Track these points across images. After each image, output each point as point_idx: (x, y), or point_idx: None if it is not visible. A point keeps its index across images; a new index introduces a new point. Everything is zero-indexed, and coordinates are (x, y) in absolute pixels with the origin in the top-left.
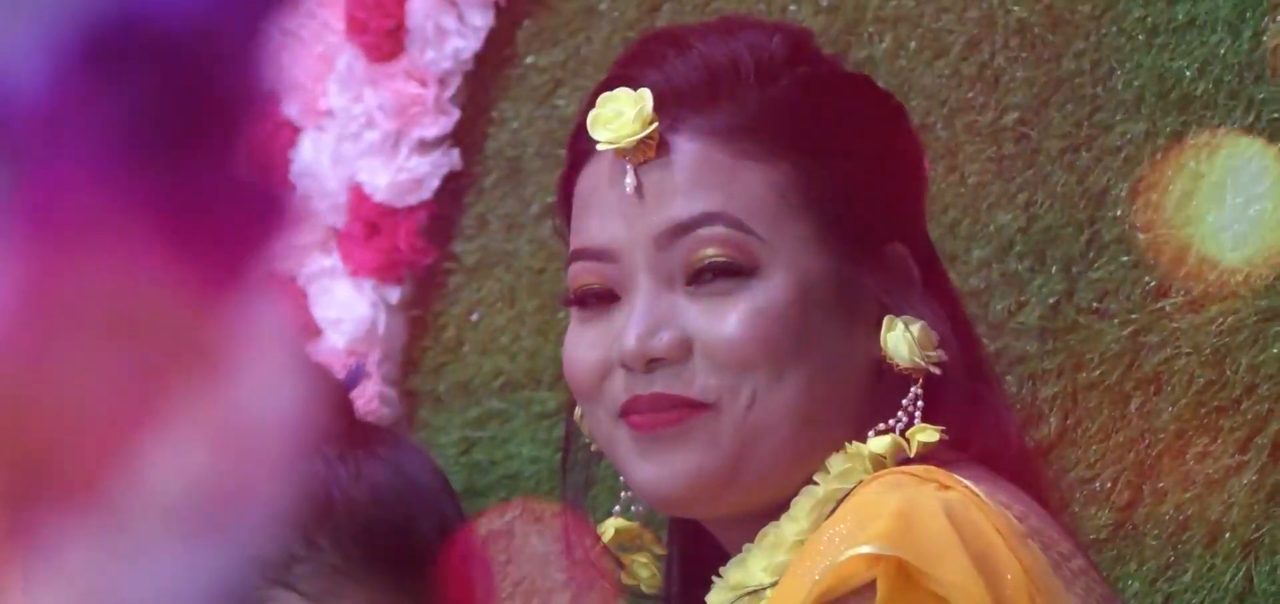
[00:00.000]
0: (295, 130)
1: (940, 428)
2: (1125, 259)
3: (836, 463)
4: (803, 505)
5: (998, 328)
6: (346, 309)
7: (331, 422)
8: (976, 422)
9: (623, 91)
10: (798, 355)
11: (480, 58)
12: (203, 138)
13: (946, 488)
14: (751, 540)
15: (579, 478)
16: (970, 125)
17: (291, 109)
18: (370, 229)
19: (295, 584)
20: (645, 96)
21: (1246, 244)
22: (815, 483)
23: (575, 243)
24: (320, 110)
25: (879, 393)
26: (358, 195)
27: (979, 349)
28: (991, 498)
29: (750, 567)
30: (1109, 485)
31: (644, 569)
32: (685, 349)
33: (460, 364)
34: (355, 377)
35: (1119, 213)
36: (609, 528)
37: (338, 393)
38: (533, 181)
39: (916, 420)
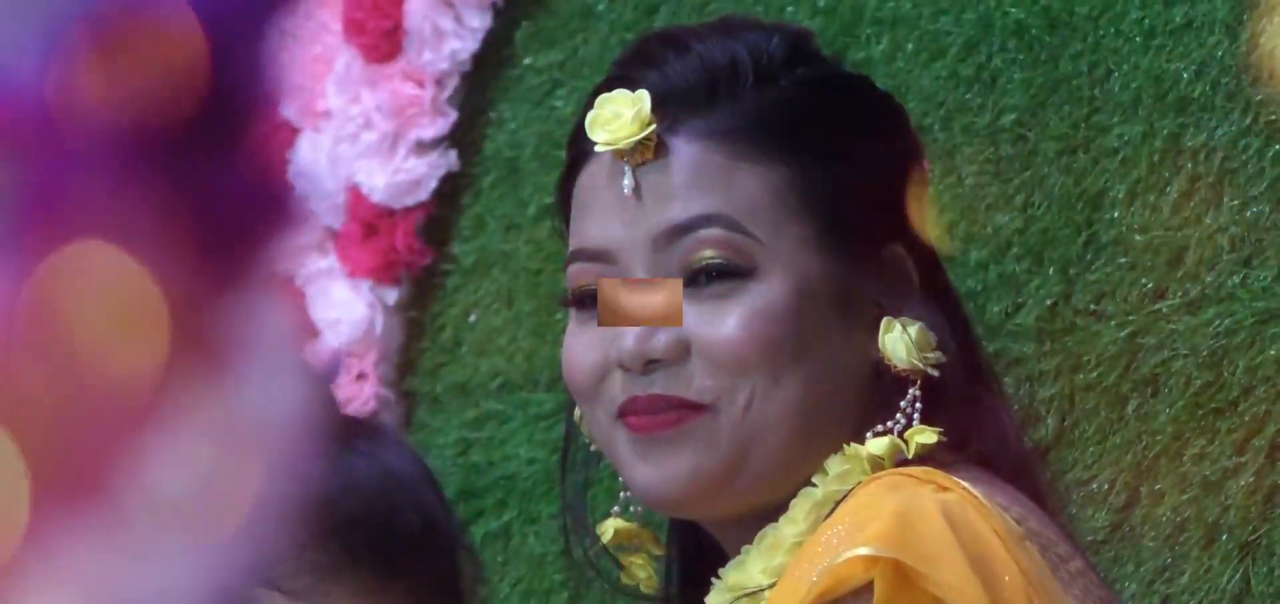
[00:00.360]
0: (293, 131)
1: (938, 429)
2: (1123, 261)
3: (835, 464)
4: (801, 507)
5: (995, 329)
6: (344, 310)
7: (313, 417)
8: (975, 423)
9: (621, 93)
10: (796, 357)
11: (478, 59)
12: (201, 137)
13: (945, 489)
14: (750, 542)
15: (577, 478)
16: (968, 127)
17: (289, 110)
18: (368, 230)
19: (279, 582)
20: (643, 98)
21: (1243, 246)
22: (813, 485)
23: (573, 244)
24: (318, 111)
25: (877, 394)
26: (355, 196)
27: (977, 351)
28: (990, 499)
29: (749, 568)
30: (1106, 487)
31: (642, 570)
32: (683, 350)
33: (458, 365)
34: (333, 369)
35: (1116, 214)
36: (608, 528)
37: (319, 387)
38: (530, 183)
39: (915, 422)
